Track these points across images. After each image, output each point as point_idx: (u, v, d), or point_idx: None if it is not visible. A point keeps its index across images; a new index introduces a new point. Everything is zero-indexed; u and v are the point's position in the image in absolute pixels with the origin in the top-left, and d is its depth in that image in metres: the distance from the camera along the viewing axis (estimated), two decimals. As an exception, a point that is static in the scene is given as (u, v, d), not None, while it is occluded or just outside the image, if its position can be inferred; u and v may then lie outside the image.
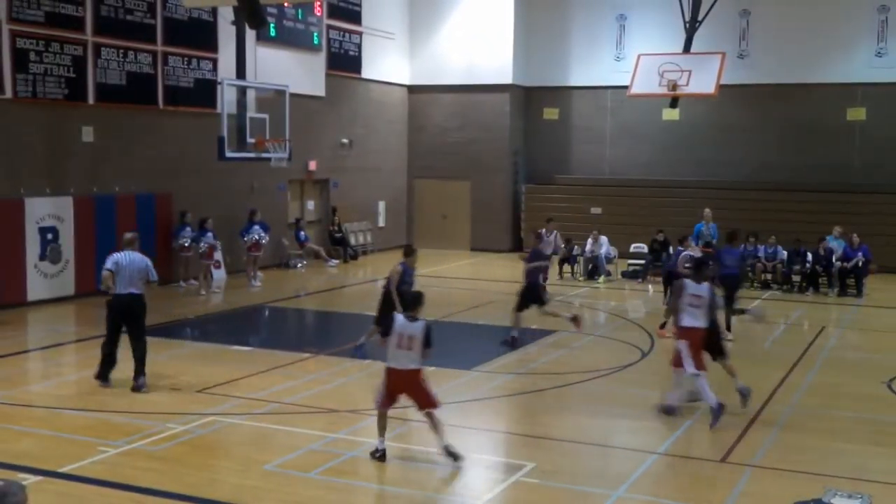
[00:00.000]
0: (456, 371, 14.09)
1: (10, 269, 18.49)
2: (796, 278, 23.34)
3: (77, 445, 10.08)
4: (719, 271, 16.04)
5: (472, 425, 11.58)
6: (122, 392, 12.40)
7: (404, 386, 9.71)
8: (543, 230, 22.51)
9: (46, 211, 19.32)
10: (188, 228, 21.60)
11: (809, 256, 23.18)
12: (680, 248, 18.16)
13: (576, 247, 25.36)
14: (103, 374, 12.73)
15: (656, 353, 15.57)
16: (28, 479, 8.79)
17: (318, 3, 26.64)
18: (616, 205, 29.38)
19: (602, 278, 24.62)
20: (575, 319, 16.50)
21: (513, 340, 15.94)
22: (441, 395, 12.60)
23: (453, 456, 9.61)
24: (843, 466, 9.86)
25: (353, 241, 28.70)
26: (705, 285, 11.81)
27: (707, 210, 23.42)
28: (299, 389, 12.73)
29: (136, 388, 12.44)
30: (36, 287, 19.04)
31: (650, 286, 23.70)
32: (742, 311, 17.15)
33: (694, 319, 11.59)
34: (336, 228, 28.23)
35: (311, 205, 28.07)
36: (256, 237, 22.62)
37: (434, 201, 31.91)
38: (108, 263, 12.56)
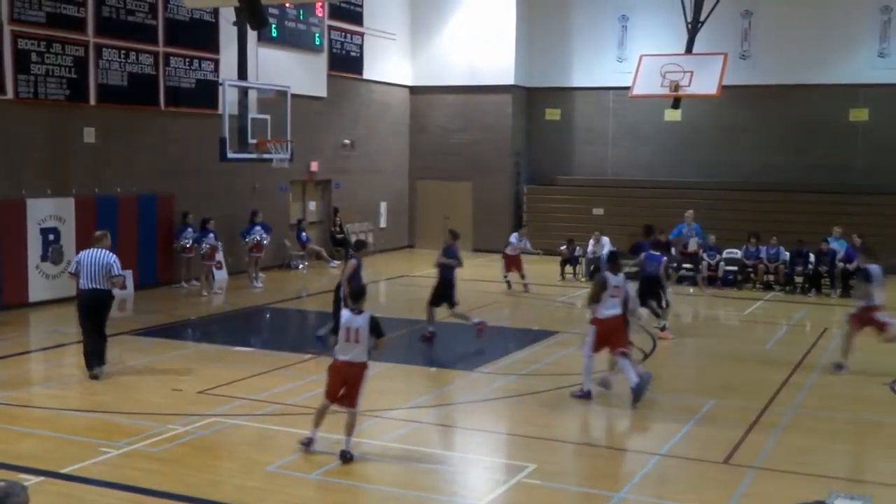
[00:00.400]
0: (458, 372, 14.11)
1: (12, 270, 18.49)
2: (798, 279, 23.32)
3: (78, 446, 10.08)
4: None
5: (474, 426, 11.57)
6: (124, 393, 12.42)
7: (347, 378, 9.90)
8: (515, 234, 23.31)
9: (48, 212, 19.31)
10: (190, 229, 21.61)
11: (812, 257, 23.17)
12: (653, 252, 17.83)
13: (577, 248, 25.35)
14: (90, 365, 13.29)
15: (658, 354, 15.57)
16: (29, 480, 8.79)
17: (320, 3, 26.62)
18: (618, 206, 29.31)
19: (604, 279, 24.55)
20: (479, 326, 16.23)
21: (430, 336, 16.25)
22: (443, 396, 12.65)
23: (346, 458, 9.73)
24: (845, 468, 9.86)
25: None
26: (621, 276, 12.69)
27: (689, 211, 23.74)
28: (301, 390, 12.71)
29: (93, 376, 13.14)
30: (37, 288, 19.04)
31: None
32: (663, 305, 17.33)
33: (612, 309, 12.47)
34: (338, 229, 28.22)
35: (312, 206, 28.06)
36: (258, 238, 22.62)
37: (436, 202, 31.88)
38: (71, 266, 13.67)
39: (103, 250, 13.33)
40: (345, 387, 9.90)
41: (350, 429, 9.86)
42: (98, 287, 13.15)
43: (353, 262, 15.01)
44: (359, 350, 9.86)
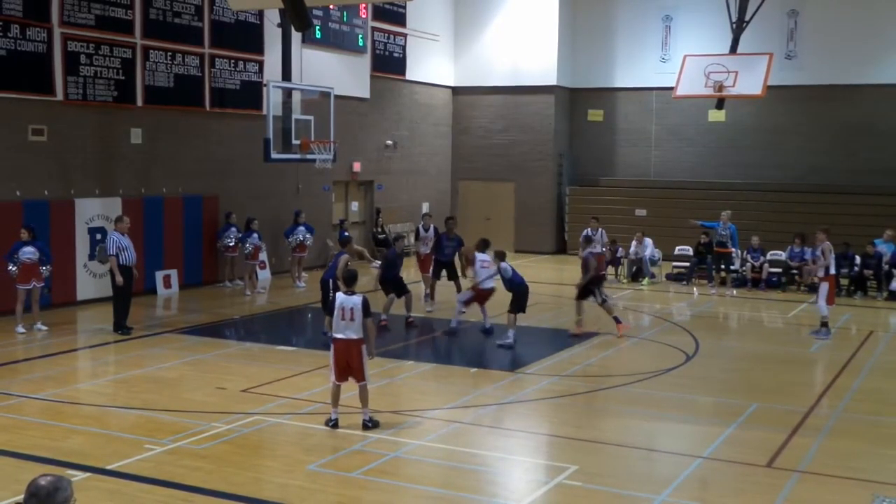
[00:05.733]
0: (499, 373, 14.11)
1: (61, 269, 18.75)
2: (844, 282, 23.02)
3: (124, 443, 10.23)
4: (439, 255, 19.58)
5: (515, 427, 11.57)
6: (168, 391, 12.57)
7: (347, 355, 10.88)
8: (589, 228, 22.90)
9: (95, 211, 19.60)
10: (234, 229, 21.79)
11: (857, 260, 22.89)
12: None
13: (620, 248, 25.23)
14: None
15: (701, 356, 15.46)
16: (76, 476, 8.94)
17: (364, 5, 26.74)
18: (661, 207, 29.16)
19: (646, 280, 24.48)
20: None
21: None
22: (484, 397, 12.66)
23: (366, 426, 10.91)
24: (891, 473, 9.72)
25: (396, 242, 28.70)
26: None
27: (726, 211, 23.71)
28: (343, 390, 12.73)
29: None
30: (85, 287, 19.32)
31: (695, 289, 23.54)
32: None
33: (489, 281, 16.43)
34: (380, 230, 28.33)
35: (355, 206, 28.20)
36: (301, 238, 22.77)
37: (478, 203, 31.90)
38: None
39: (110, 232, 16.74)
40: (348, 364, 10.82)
41: (364, 401, 10.87)
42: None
43: (345, 257, 15.99)
44: (354, 327, 10.75)
